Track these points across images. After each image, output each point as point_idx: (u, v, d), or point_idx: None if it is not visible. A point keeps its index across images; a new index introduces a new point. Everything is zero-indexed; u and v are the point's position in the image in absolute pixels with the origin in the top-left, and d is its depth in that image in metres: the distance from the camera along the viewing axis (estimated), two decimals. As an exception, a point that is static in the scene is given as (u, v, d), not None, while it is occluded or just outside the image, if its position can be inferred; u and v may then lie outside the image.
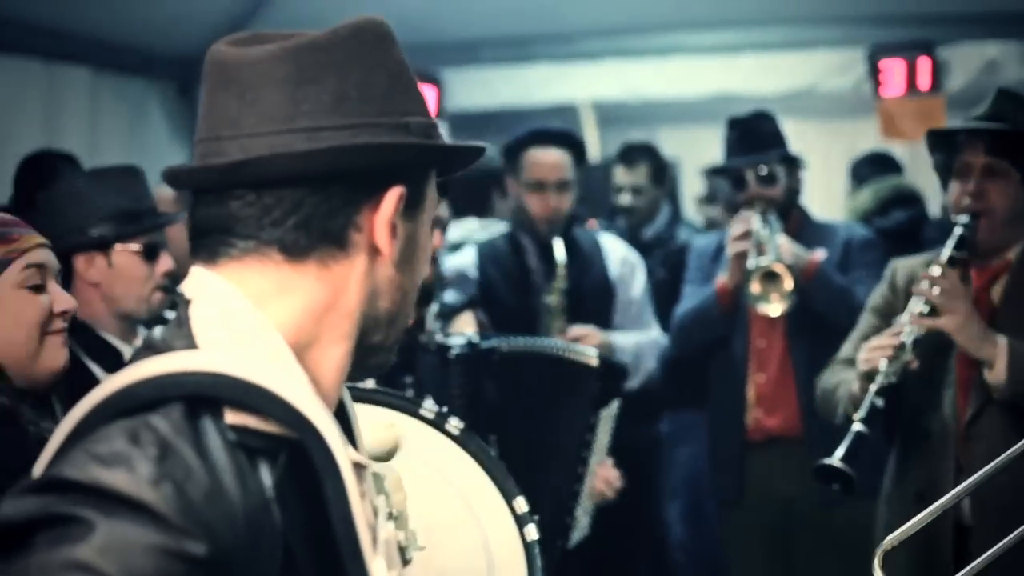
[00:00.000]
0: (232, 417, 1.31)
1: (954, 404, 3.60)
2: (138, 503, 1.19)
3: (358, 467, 1.42)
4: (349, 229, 1.42)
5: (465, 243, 5.24)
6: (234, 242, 1.41)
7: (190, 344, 1.38)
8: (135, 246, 3.43)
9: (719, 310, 4.75)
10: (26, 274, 2.53)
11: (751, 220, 4.63)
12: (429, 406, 2.51)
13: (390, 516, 1.55)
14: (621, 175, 6.42)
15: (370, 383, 2.56)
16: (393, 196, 1.44)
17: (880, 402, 3.47)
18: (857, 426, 3.46)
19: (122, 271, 3.39)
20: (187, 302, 1.42)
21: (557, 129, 4.92)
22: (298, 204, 1.39)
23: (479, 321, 4.05)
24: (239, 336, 1.38)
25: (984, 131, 3.60)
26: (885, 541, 2.62)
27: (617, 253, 4.99)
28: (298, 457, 1.33)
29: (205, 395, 1.31)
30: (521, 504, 2.47)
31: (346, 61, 1.42)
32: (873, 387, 3.48)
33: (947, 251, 3.59)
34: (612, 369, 3.75)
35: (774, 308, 4.51)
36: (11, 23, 6.19)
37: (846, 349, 3.91)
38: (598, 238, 4.99)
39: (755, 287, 4.48)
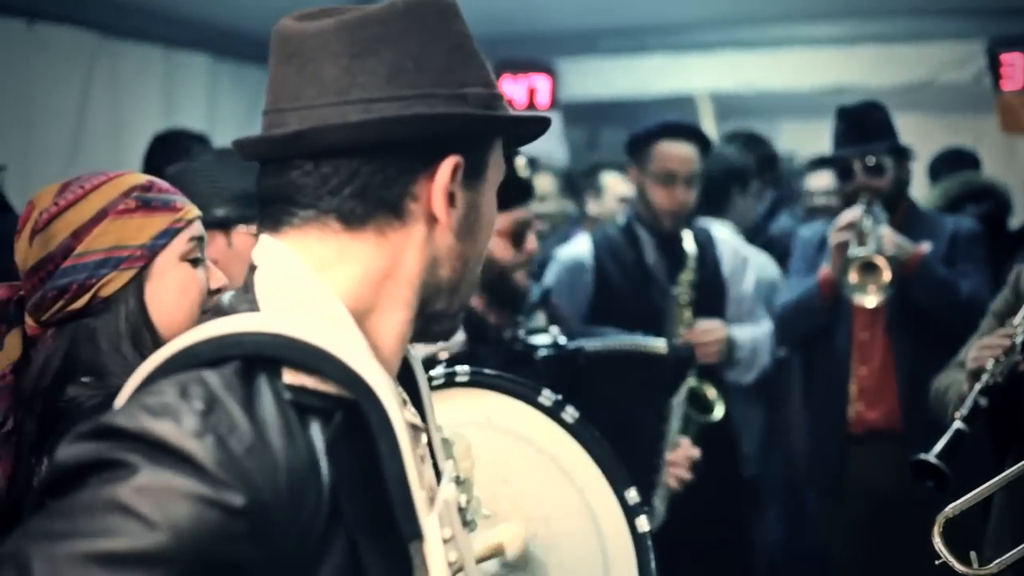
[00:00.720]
0: (290, 376, 1.35)
1: None
2: (181, 452, 1.24)
3: (415, 429, 1.46)
4: (405, 198, 1.45)
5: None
6: (295, 211, 1.45)
7: (253, 308, 1.43)
8: (254, 228, 3.51)
9: (821, 301, 4.73)
10: (190, 246, 2.41)
11: (856, 211, 4.60)
12: (548, 394, 2.52)
13: (457, 480, 1.58)
14: None
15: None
16: (448, 165, 1.46)
17: (984, 401, 3.36)
18: (957, 424, 3.36)
19: (240, 252, 3.43)
20: (253, 268, 1.48)
21: (687, 123, 4.90)
22: (354, 173, 1.43)
23: (551, 312, 4.03)
24: (300, 300, 1.42)
25: None
26: (947, 509, 2.60)
27: (729, 246, 4.97)
28: (354, 417, 1.37)
29: (263, 354, 1.35)
30: (633, 495, 2.48)
31: (402, 33, 1.44)
32: (978, 385, 3.38)
33: None
34: (680, 356, 3.76)
35: (870, 299, 4.48)
36: (132, 10, 6.34)
37: (964, 352, 3.81)
38: (711, 231, 4.98)
39: (853, 277, 4.45)
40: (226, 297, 1.49)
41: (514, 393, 2.51)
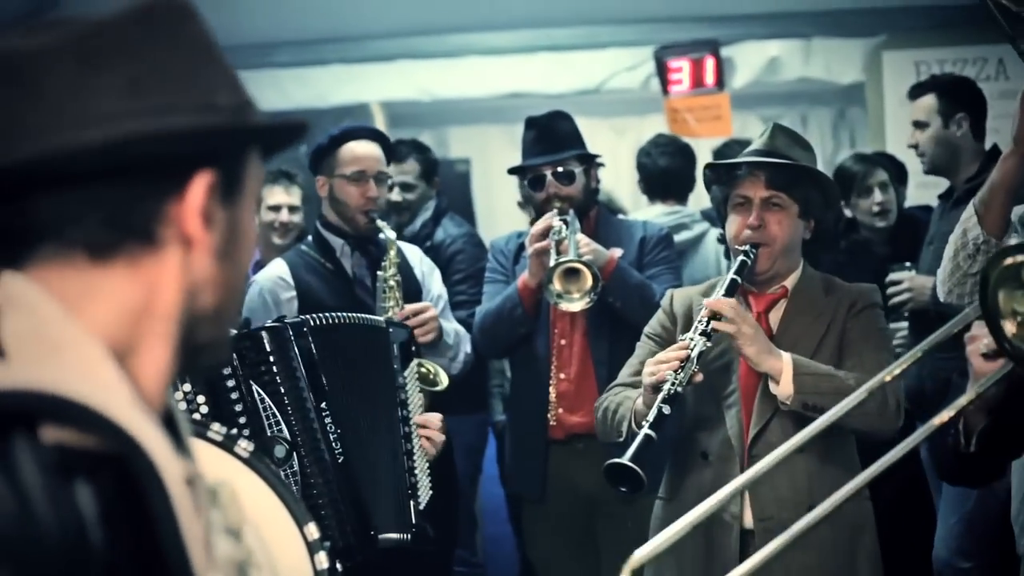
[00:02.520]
0: (50, 434, 1.22)
1: (739, 420, 3.74)
2: None
3: (190, 481, 1.34)
4: (155, 222, 1.31)
5: None
6: (37, 245, 1.30)
7: (0, 356, 1.28)
8: None
9: (522, 310, 4.78)
10: None
11: (551, 219, 4.67)
12: (217, 428, 2.42)
13: (225, 531, 1.48)
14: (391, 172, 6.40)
15: None
16: (201, 183, 1.33)
17: (667, 409, 3.54)
18: (646, 430, 3.52)
19: None
20: None
21: (371, 126, 4.90)
22: (97, 200, 1.29)
23: None
24: (54, 346, 1.28)
25: (765, 164, 3.75)
26: (633, 558, 2.60)
27: (414, 251, 4.99)
28: (123, 472, 1.25)
29: (18, 411, 1.22)
30: (312, 531, 2.42)
31: (138, 42, 1.31)
32: (660, 395, 3.56)
33: (729, 275, 3.73)
34: (402, 329, 3.92)
35: (576, 304, 4.56)
36: None
37: (624, 374, 4.00)
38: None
39: (557, 285, 4.52)
40: None
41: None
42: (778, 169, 3.76)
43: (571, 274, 4.53)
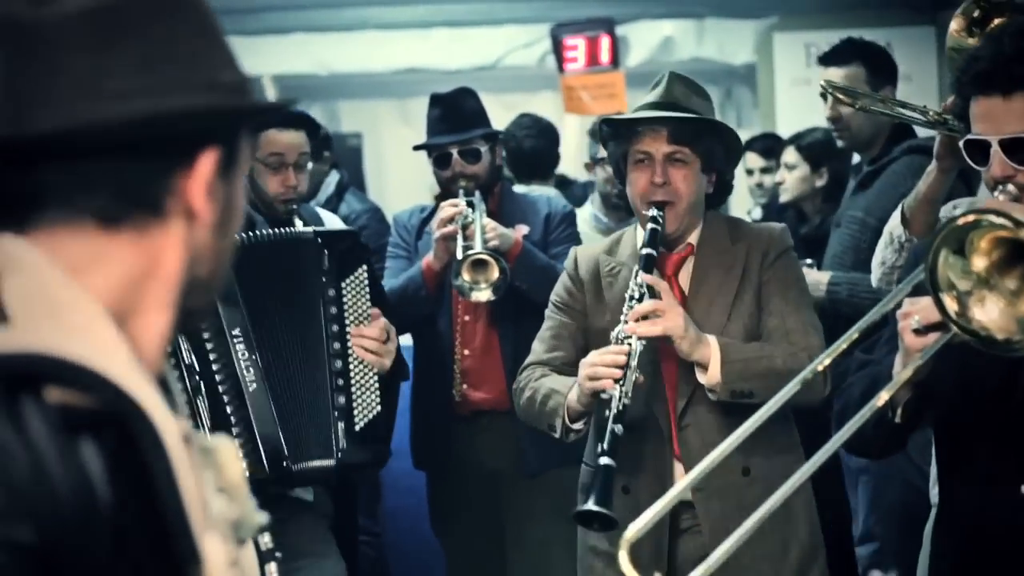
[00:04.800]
0: (54, 394, 1.26)
1: (664, 397, 3.66)
2: None
3: (186, 439, 1.37)
4: (164, 195, 1.37)
5: None
6: (45, 210, 1.34)
7: (3, 319, 1.31)
8: None
9: (426, 291, 4.80)
10: None
11: (458, 203, 4.69)
12: None
13: (219, 490, 1.48)
14: None
15: None
16: (209, 159, 1.39)
17: (619, 429, 3.39)
18: (604, 460, 3.35)
19: None
20: None
21: (296, 111, 4.82)
22: (111, 172, 1.34)
23: None
24: (57, 308, 1.32)
25: (666, 119, 3.64)
26: (628, 534, 2.66)
27: (333, 218, 4.99)
28: (124, 433, 1.29)
29: (24, 373, 1.26)
30: (267, 540, 2.39)
31: (149, 18, 1.36)
32: (610, 414, 3.41)
33: (644, 249, 3.61)
34: (334, 238, 3.82)
35: (484, 294, 4.57)
36: None
37: (538, 350, 3.90)
38: (319, 214, 4.94)
39: (465, 276, 4.53)
40: None
41: None
42: (681, 123, 3.65)
43: (479, 265, 4.55)
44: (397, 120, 10.17)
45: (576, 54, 8.38)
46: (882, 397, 2.60)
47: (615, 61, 8.40)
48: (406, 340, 5.66)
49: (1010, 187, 2.72)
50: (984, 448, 2.87)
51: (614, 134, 3.80)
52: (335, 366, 3.70)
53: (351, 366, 3.71)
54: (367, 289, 3.80)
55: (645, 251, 3.60)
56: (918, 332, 2.61)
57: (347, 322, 3.73)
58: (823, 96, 5.10)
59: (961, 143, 2.87)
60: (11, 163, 1.34)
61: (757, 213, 7.07)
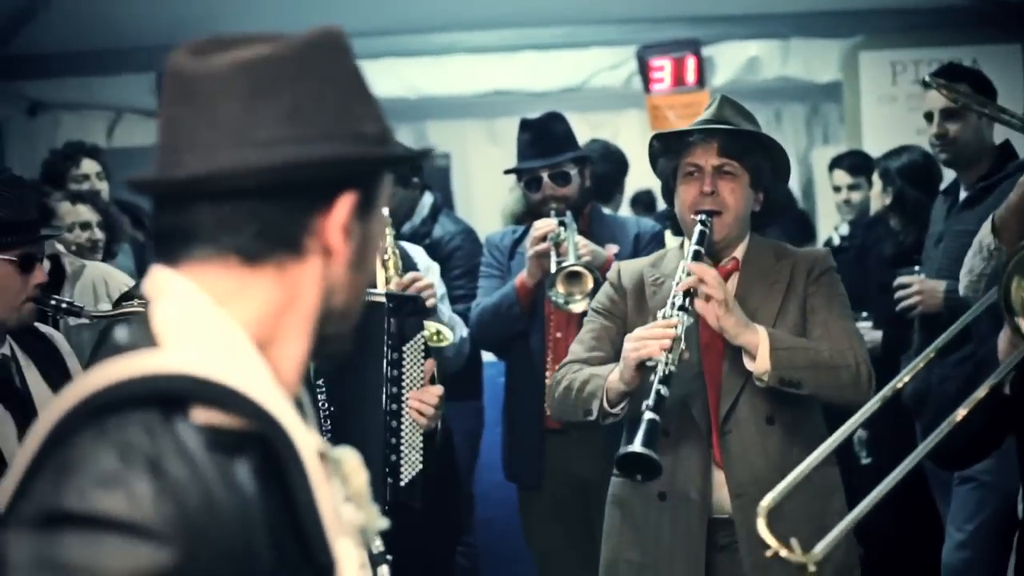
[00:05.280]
0: (202, 416, 1.36)
1: (703, 398, 3.69)
2: (138, 527, 1.26)
3: (322, 455, 1.48)
4: (304, 235, 1.48)
5: None
6: (195, 246, 1.46)
7: (154, 343, 1.42)
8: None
9: (519, 308, 4.94)
10: None
11: (550, 222, 4.82)
12: None
13: (347, 499, 1.58)
14: None
15: None
16: (346, 203, 1.49)
17: (665, 391, 3.44)
18: (649, 415, 3.41)
19: None
20: (147, 302, 1.48)
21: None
22: (255, 213, 1.45)
23: None
24: (203, 333, 1.43)
25: (717, 132, 3.72)
26: (764, 501, 2.73)
27: (417, 250, 5.09)
28: (265, 452, 1.39)
29: (175, 396, 1.36)
30: None
31: (300, 73, 1.46)
32: (656, 376, 3.46)
33: (693, 247, 3.66)
34: (403, 303, 3.88)
35: (579, 306, 4.68)
36: None
37: (575, 350, 3.93)
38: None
39: (560, 288, 4.65)
40: (122, 333, 1.47)
41: None
42: (730, 136, 3.72)
43: (573, 277, 4.67)
44: (485, 140, 10.30)
45: (662, 75, 8.47)
46: (960, 413, 2.73)
47: (701, 81, 8.48)
48: (489, 357, 5.82)
49: None
50: None
51: (665, 149, 3.87)
52: (391, 424, 3.80)
53: (403, 426, 3.82)
54: (423, 354, 3.89)
55: (694, 248, 3.66)
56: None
57: (404, 384, 3.84)
58: (925, 85, 4.99)
59: None
60: (166, 202, 1.48)
61: (844, 229, 7.11)
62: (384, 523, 1.58)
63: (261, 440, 1.39)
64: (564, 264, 4.67)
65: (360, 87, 1.53)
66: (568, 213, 4.90)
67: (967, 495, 5.26)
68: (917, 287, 5.22)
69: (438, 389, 3.87)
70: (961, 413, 2.77)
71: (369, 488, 1.58)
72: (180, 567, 1.26)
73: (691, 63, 8.44)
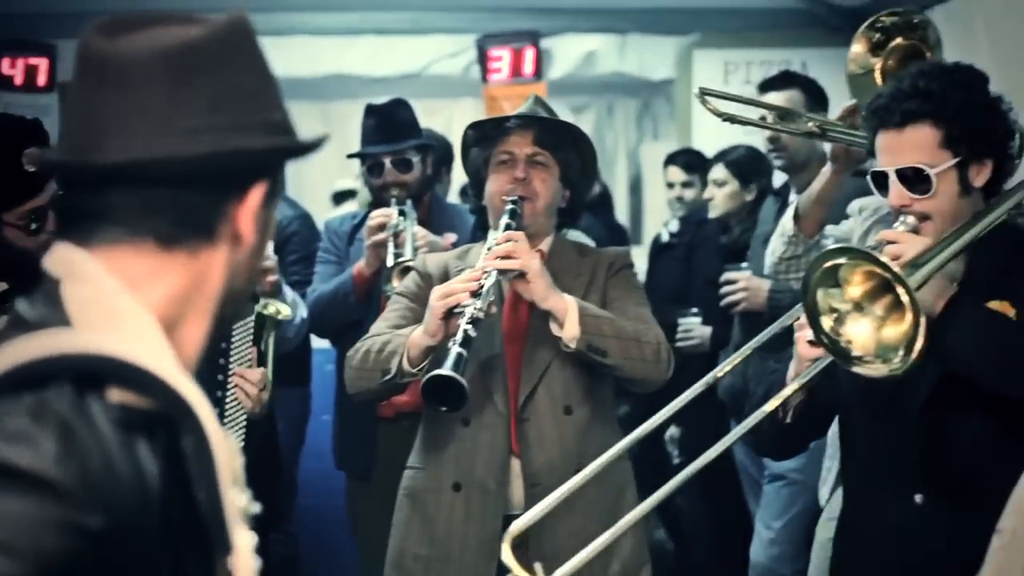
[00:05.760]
0: (115, 395, 1.39)
1: (504, 384, 3.72)
2: (41, 479, 1.29)
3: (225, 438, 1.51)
4: (219, 222, 1.54)
5: None
6: (107, 228, 1.49)
7: (65, 322, 1.45)
8: None
9: (355, 297, 4.92)
10: None
11: (390, 212, 4.82)
12: None
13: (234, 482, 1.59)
14: None
15: None
16: (260, 191, 1.56)
17: (472, 331, 3.48)
18: (457, 349, 3.44)
19: None
20: (55, 280, 1.48)
21: None
22: (175, 200, 1.49)
23: None
24: (114, 316, 1.45)
25: (533, 122, 3.82)
26: (513, 528, 2.82)
27: None
28: (170, 432, 1.43)
29: (90, 374, 1.38)
30: None
31: (220, 62, 1.50)
32: (463, 319, 3.49)
33: (503, 222, 3.72)
34: None
35: None
36: None
37: (376, 327, 3.92)
38: None
39: (395, 282, 4.62)
40: (26, 308, 1.48)
41: None
42: (546, 127, 3.82)
43: (408, 272, 4.66)
44: (318, 124, 10.23)
45: (500, 65, 8.49)
46: (772, 403, 2.91)
47: (538, 73, 8.53)
48: (319, 344, 5.79)
49: (910, 219, 2.95)
50: (882, 457, 3.07)
51: (480, 137, 3.93)
52: (216, 395, 3.79)
53: (227, 400, 3.83)
54: (251, 333, 3.89)
55: (505, 223, 3.71)
56: (812, 343, 2.87)
57: (231, 360, 3.83)
58: (760, 89, 5.41)
59: (868, 175, 3.10)
60: (81, 185, 1.49)
61: (674, 226, 7.22)
62: (257, 508, 1.59)
63: (170, 422, 1.43)
64: (400, 259, 4.66)
65: (267, 75, 1.58)
66: (408, 202, 4.90)
67: (776, 493, 5.41)
68: (743, 283, 5.32)
69: (263, 371, 3.88)
70: (771, 407, 2.95)
71: (240, 472, 1.58)
72: (76, 524, 1.29)
73: (529, 54, 8.48)
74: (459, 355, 3.42)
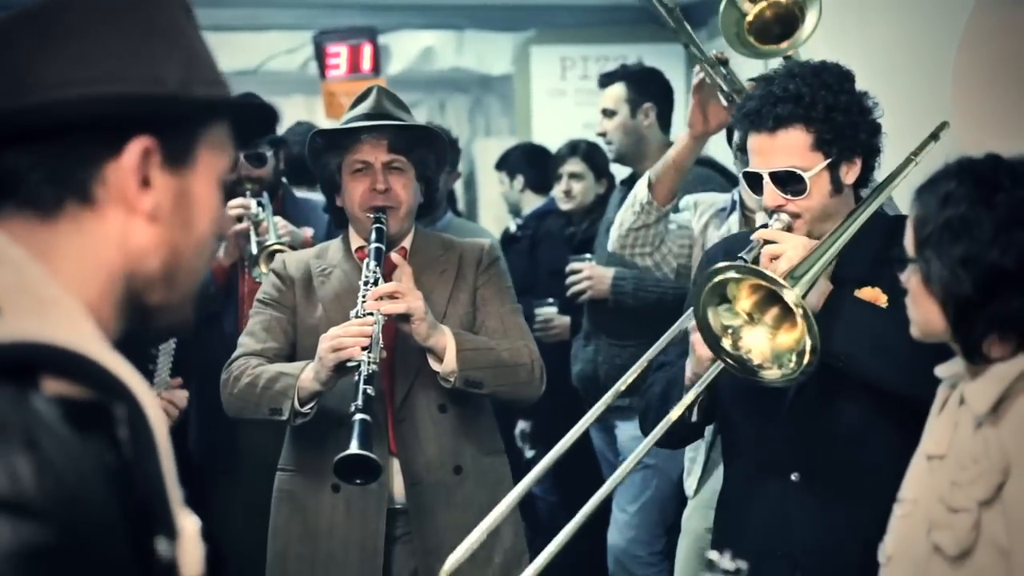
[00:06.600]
0: (51, 386, 1.26)
1: (380, 390, 3.64)
2: (22, 505, 1.18)
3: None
4: (91, 181, 1.39)
5: None
6: (2, 204, 1.39)
7: None
8: None
9: (215, 288, 4.88)
10: None
11: (247, 201, 4.80)
12: None
13: None
14: None
15: None
16: (136, 147, 1.41)
17: (371, 390, 3.45)
18: (359, 416, 3.41)
19: None
20: None
21: None
22: (40, 157, 1.37)
23: None
24: (40, 301, 1.33)
25: (387, 128, 3.75)
26: (445, 568, 2.86)
27: None
28: (113, 422, 1.30)
29: (22, 364, 1.26)
30: None
31: (90, 22, 1.41)
32: (360, 376, 3.46)
33: (373, 245, 3.69)
34: None
35: None
36: None
37: (247, 343, 3.88)
38: None
39: (263, 267, 4.62)
40: None
41: None
42: (399, 132, 3.76)
43: (274, 256, 4.65)
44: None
45: (338, 61, 8.47)
46: (676, 411, 3.01)
47: (376, 69, 8.53)
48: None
49: (783, 216, 3.07)
50: (759, 440, 3.20)
51: (329, 144, 3.85)
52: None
53: None
54: (172, 357, 3.81)
55: (375, 245, 3.69)
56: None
57: (155, 382, 3.74)
58: (601, 84, 5.60)
59: (740, 175, 3.22)
60: None
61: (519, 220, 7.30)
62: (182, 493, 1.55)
63: (110, 409, 1.31)
64: (267, 243, 4.65)
65: (170, 37, 1.46)
66: (264, 194, 4.89)
67: (630, 478, 5.50)
68: (587, 272, 5.40)
69: (183, 394, 3.76)
70: (677, 415, 3.05)
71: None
72: (61, 544, 1.19)
73: (367, 51, 8.47)
74: (364, 424, 3.39)
